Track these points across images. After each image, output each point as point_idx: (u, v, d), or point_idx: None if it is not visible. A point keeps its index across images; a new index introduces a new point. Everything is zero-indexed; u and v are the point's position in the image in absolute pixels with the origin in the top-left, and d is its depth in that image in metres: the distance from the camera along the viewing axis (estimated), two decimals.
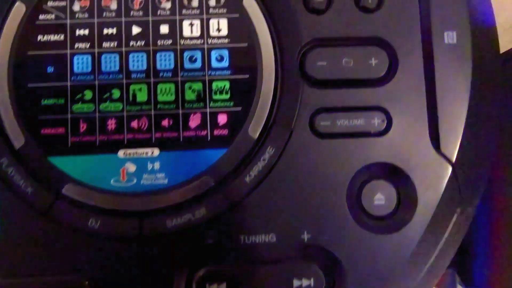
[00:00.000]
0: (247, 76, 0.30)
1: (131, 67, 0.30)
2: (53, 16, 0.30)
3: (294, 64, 0.31)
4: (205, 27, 0.31)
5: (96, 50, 0.30)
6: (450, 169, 0.30)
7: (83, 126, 0.30)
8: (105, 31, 0.30)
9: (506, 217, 0.35)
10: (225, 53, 0.31)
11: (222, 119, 0.30)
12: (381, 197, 0.31)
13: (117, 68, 0.30)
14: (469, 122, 0.31)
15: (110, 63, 0.30)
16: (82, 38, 0.30)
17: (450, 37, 0.31)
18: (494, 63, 0.32)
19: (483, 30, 0.32)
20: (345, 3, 0.31)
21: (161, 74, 0.30)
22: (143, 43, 0.30)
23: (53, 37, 0.30)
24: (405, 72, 0.31)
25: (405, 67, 0.31)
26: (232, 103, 0.30)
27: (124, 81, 0.30)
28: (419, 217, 0.30)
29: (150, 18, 0.30)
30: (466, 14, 0.31)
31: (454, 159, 0.30)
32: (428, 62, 0.31)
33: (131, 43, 0.30)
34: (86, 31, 0.30)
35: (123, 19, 0.30)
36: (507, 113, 0.34)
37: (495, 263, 0.36)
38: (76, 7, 0.30)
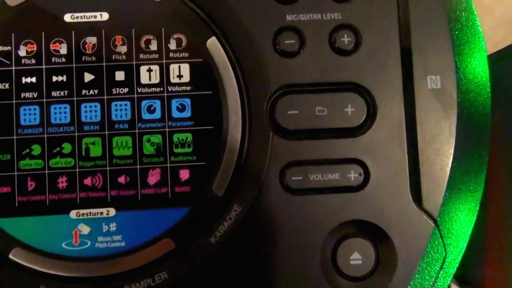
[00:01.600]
0: (211, 127, 0.28)
1: (83, 119, 0.27)
2: None
3: (263, 113, 0.28)
4: (164, 73, 0.28)
5: (44, 100, 0.27)
6: (432, 226, 0.28)
7: (31, 184, 0.27)
8: (54, 78, 0.27)
9: (501, 214, 0.33)
10: (187, 102, 0.28)
11: (184, 175, 0.28)
12: (358, 257, 0.28)
13: (68, 119, 0.27)
14: (454, 175, 0.28)
15: (60, 114, 0.27)
16: (29, 87, 0.27)
17: (433, 82, 0.29)
18: (483, 108, 0.29)
19: (470, 73, 0.29)
20: (319, 45, 0.28)
21: (116, 126, 0.27)
22: (96, 91, 0.28)
23: None
24: (384, 120, 0.28)
25: (384, 115, 0.28)
26: (195, 157, 0.28)
27: (76, 134, 0.27)
28: (399, 279, 0.28)
29: (104, 64, 0.28)
30: (451, 57, 0.29)
31: (437, 216, 0.28)
32: (410, 110, 0.28)
33: (83, 91, 0.28)
34: (34, 79, 0.27)
35: (74, 65, 0.28)
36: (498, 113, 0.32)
37: (489, 260, 0.34)
38: (22, 52, 0.28)
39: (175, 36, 0.28)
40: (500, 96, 0.32)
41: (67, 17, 0.28)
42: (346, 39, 0.28)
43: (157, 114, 0.28)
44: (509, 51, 0.36)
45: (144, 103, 0.28)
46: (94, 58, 0.28)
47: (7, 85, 0.27)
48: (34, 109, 0.27)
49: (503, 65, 0.35)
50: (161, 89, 0.28)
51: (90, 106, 0.28)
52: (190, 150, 0.28)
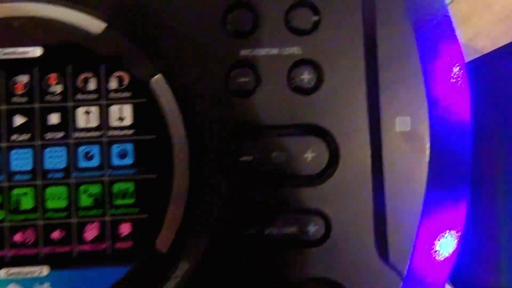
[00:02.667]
0: (155, 175, 0.25)
1: (13, 167, 0.25)
2: None
3: (214, 159, 0.25)
4: (104, 116, 0.25)
5: None
6: (400, 283, 0.25)
7: None
8: None
9: (493, 215, 0.31)
10: (129, 147, 0.25)
11: (125, 229, 0.25)
12: None
13: None
14: (423, 226, 0.26)
15: None
16: None
17: (403, 123, 0.26)
18: (461, 150, 0.27)
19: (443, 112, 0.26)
20: (276, 83, 0.26)
21: (50, 175, 0.25)
22: (28, 136, 0.25)
23: None
24: (347, 167, 0.26)
25: (348, 161, 0.26)
26: (137, 210, 0.25)
27: (6, 184, 0.25)
28: None
29: (37, 105, 0.25)
30: (423, 95, 0.26)
31: (405, 271, 0.26)
32: (376, 154, 0.26)
33: (13, 136, 0.25)
34: None
35: (3, 106, 0.25)
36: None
37: (482, 261, 0.32)
38: None
39: (116, 74, 0.25)
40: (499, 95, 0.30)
41: None
42: (306, 77, 0.26)
43: (96, 162, 0.25)
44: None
45: (81, 149, 0.25)
46: (25, 99, 0.25)
47: None
48: None
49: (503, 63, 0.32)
50: (100, 133, 0.25)
51: (21, 153, 0.25)
52: (132, 201, 0.25)
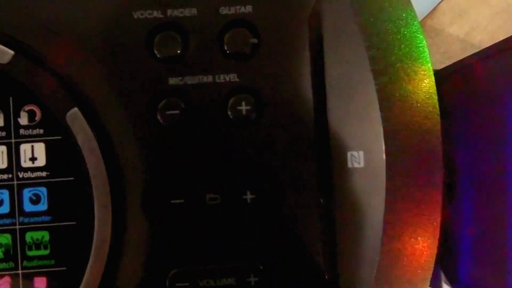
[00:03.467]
0: (73, 223, 0.22)
1: None
2: None
3: (140, 202, 0.22)
4: (14, 156, 0.22)
5: None
6: None
7: None
8: None
9: (492, 213, 0.29)
10: (43, 191, 0.22)
11: (40, 283, 0.22)
12: None
13: None
14: (379, 278, 0.23)
15: None
16: None
17: (355, 159, 0.23)
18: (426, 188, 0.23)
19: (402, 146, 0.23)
20: (210, 114, 0.22)
21: None
22: None
23: None
24: (294, 211, 0.22)
25: (293, 201, 0.22)
26: (53, 262, 0.22)
27: None
28: None
29: None
30: (379, 125, 0.23)
31: None
32: (328, 195, 0.23)
33: None
34: None
35: None
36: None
37: (481, 260, 0.31)
38: None
39: (27, 107, 0.22)
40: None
41: None
42: (244, 107, 0.23)
43: (5, 208, 0.22)
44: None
45: None
46: None
47: None
48: None
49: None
50: (10, 175, 0.22)
51: None
52: (47, 252, 0.22)
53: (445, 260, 0.32)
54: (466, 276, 0.32)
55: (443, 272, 0.33)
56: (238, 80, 0.23)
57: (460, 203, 0.29)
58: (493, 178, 0.29)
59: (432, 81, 0.23)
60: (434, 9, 0.66)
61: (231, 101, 0.23)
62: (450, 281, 0.33)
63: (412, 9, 0.24)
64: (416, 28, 0.24)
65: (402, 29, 0.24)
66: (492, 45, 0.27)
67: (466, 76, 0.29)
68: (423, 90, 0.23)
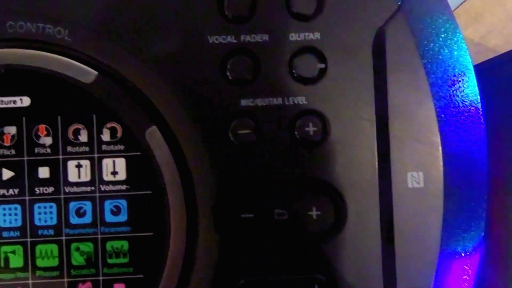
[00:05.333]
0: (151, 233, 0.24)
1: (1, 223, 0.23)
2: None
3: (213, 216, 0.24)
4: (96, 170, 0.24)
5: None
6: None
7: None
8: None
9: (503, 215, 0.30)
10: (123, 203, 0.24)
11: None
12: None
13: None
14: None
15: None
16: None
17: (415, 179, 0.24)
18: (476, 206, 0.25)
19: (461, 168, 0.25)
20: (279, 135, 0.24)
21: (40, 232, 0.24)
22: (16, 191, 0.24)
23: None
24: (355, 226, 0.24)
25: (355, 219, 0.24)
26: (131, 269, 0.24)
27: None
28: None
29: (25, 158, 0.24)
30: (437, 148, 0.24)
31: None
32: (387, 212, 0.24)
33: (1, 191, 0.24)
34: None
35: None
36: None
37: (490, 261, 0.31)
38: None
39: (109, 125, 0.24)
40: None
41: None
42: (311, 129, 0.24)
43: (88, 218, 0.24)
44: None
45: (73, 205, 0.24)
46: (13, 152, 0.24)
47: None
48: None
49: None
50: (92, 188, 0.24)
51: (9, 209, 0.24)
52: (126, 260, 0.24)
53: None
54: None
55: None
56: (306, 102, 0.24)
57: None
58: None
59: None
60: None
61: (298, 122, 0.24)
62: None
63: (461, 35, 0.25)
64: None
65: (455, 53, 0.25)
66: None
67: None
68: None
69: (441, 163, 0.24)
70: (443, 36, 0.25)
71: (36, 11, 0.24)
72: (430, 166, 0.24)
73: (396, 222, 0.24)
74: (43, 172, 0.24)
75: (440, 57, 0.25)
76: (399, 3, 0.24)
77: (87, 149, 0.24)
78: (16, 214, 0.24)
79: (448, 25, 0.25)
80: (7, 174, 0.24)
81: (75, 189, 0.24)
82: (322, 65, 0.24)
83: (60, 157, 0.24)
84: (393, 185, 0.24)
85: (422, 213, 0.24)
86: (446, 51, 0.25)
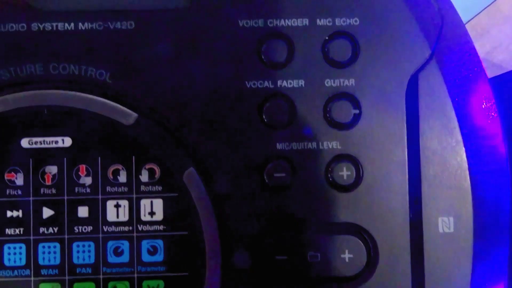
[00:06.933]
0: (186, 273, 0.24)
1: (40, 261, 0.24)
2: None
3: (246, 259, 0.24)
4: (134, 210, 0.24)
5: None
6: None
7: None
8: (9, 213, 0.24)
9: None
10: (160, 243, 0.24)
11: None
12: None
13: (24, 262, 0.24)
14: None
15: (15, 255, 0.24)
16: None
17: (445, 224, 0.25)
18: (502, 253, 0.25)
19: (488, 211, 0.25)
20: (313, 178, 0.24)
21: (78, 270, 0.24)
22: (56, 229, 0.24)
23: None
24: (387, 269, 0.24)
25: (386, 263, 0.24)
26: None
27: (32, 278, 0.24)
28: None
29: (66, 197, 0.24)
30: (468, 193, 0.25)
31: None
32: (417, 256, 0.24)
33: (41, 229, 0.24)
34: None
35: (31, 198, 0.24)
36: None
37: None
38: None
39: (148, 166, 0.24)
40: None
41: (24, 142, 0.24)
42: (345, 173, 0.24)
43: (125, 258, 0.24)
44: None
45: (110, 244, 0.24)
46: (54, 191, 0.24)
47: None
48: None
49: None
50: (130, 228, 0.24)
51: (49, 247, 0.24)
52: None
53: None
54: None
55: None
56: (340, 147, 0.24)
57: None
58: None
59: None
60: None
61: (332, 166, 0.25)
62: None
63: None
64: None
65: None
66: None
67: None
68: None
69: (471, 208, 0.24)
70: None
71: (79, 53, 0.24)
72: (460, 211, 0.24)
73: (426, 266, 0.24)
74: (83, 212, 0.24)
75: (473, 108, 0.25)
76: (431, 50, 0.25)
77: (125, 189, 0.24)
78: (55, 253, 0.24)
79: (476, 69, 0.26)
80: (47, 212, 0.24)
81: (113, 228, 0.24)
82: (357, 111, 0.25)
83: (100, 197, 0.24)
84: (424, 230, 0.24)
85: (453, 258, 0.24)
86: (479, 102, 0.25)
